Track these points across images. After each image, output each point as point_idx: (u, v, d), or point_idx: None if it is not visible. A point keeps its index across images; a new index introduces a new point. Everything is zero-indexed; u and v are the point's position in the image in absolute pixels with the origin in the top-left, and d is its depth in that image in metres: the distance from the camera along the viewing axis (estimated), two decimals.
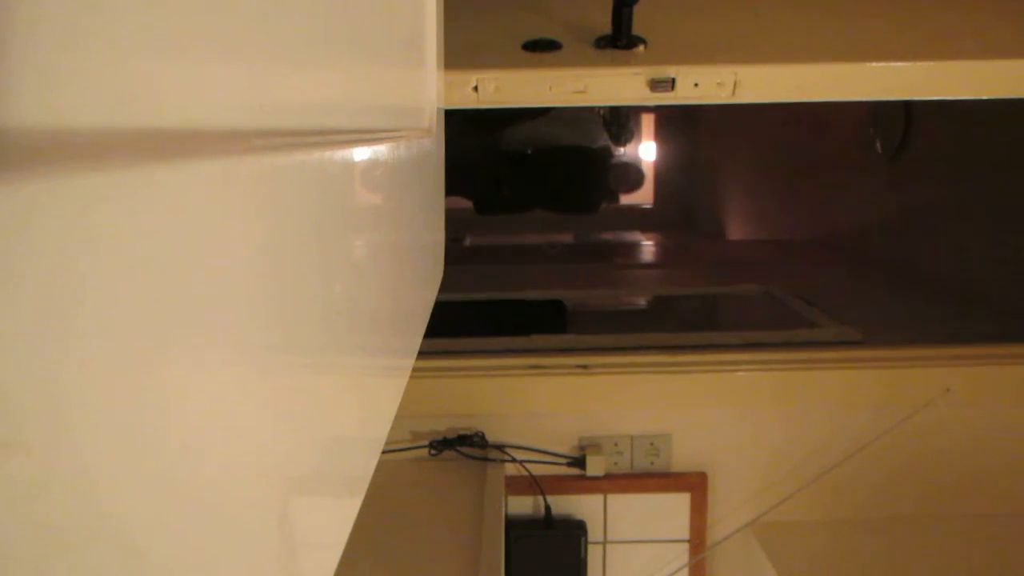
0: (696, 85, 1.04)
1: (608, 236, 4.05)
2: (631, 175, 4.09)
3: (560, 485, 1.30)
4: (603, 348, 1.34)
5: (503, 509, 1.18)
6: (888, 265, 2.16)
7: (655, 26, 1.09)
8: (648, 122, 4.54)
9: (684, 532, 1.33)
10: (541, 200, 3.52)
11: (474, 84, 1.03)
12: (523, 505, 1.32)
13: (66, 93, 0.15)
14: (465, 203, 3.68)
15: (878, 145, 2.24)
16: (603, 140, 3.77)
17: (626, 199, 4.26)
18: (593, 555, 1.33)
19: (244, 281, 0.24)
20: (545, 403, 1.28)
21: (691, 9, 1.15)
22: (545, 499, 1.28)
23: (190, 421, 0.21)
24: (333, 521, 0.38)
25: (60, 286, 0.15)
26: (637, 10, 1.04)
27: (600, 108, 3.49)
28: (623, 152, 4.19)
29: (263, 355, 0.27)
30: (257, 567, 0.27)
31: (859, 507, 1.32)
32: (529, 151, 3.44)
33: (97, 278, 0.16)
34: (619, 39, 1.06)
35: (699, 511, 1.32)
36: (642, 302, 2.18)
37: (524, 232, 3.69)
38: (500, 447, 1.29)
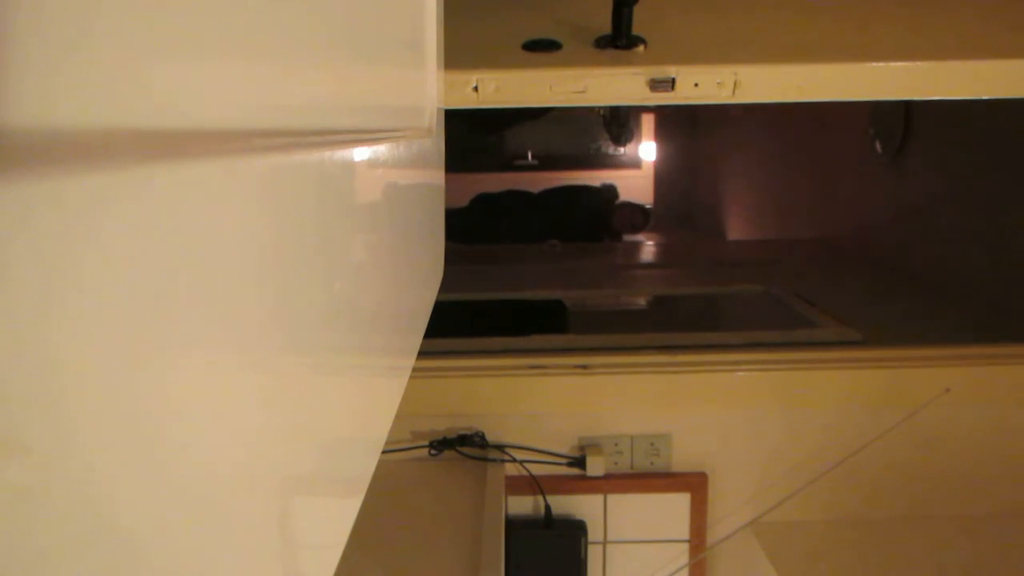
0: (696, 85, 1.04)
1: None
2: (636, 218, 4.08)
3: (560, 485, 1.30)
4: (603, 348, 1.34)
5: (503, 509, 1.18)
6: (888, 265, 2.16)
7: (655, 26, 1.09)
8: (648, 122, 4.55)
9: (684, 532, 1.33)
10: (546, 237, 3.55)
11: (474, 84, 1.03)
12: (523, 505, 1.32)
13: (66, 93, 0.15)
14: (464, 199, 3.70)
15: (878, 145, 2.24)
16: (607, 180, 3.83)
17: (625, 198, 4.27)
18: (593, 555, 1.33)
19: (244, 281, 0.24)
20: (545, 403, 1.28)
21: (691, 9, 1.15)
22: (545, 499, 1.28)
23: (190, 421, 0.21)
24: (333, 521, 0.38)
25: (60, 286, 0.15)
26: (637, 10, 1.04)
27: (600, 108, 3.50)
28: (625, 151, 4.20)
29: (264, 355, 0.27)
30: (257, 567, 0.27)
31: (859, 507, 1.32)
32: (536, 192, 3.47)
33: (97, 278, 0.16)
34: (619, 39, 1.06)
35: (699, 511, 1.32)
36: (642, 302, 2.18)
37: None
38: (500, 447, 1.29)
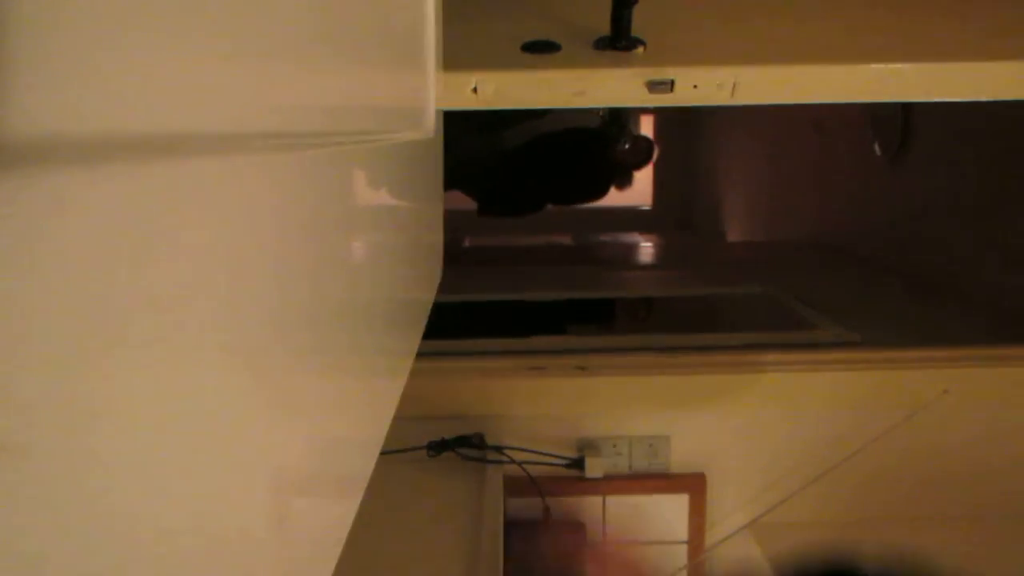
0: (695, 87, 1.04)
1: (607, 238, 4.05)
2: (640, 147, 3.86)
3: (559, 486, 1.30)
4: (602, 349, 1.34)
5: (502, 510, 1.17)
6: (887, 266, 2.17)
7: (655, 27, 1.09)
8: (647, 123, 4.55)
9: (683, 533, 1.33)
10: (549, 195, 3.38)
11: (473, 85, 1.03)
12: (522, 506, 1.32)
13: (66, 93, 0.15)
14: (465, 201, 3.62)
15: (877, 146, 2.25)
16: (600, 120, 3.50)
17: (623, 199, 4.16)
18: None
19: (243, 281, 0.25)
20: (544, 404, 1.28)
21: (691, 10, 1.15)
22: (544, 500, 1.28)
23: (189, 421, 0.21)
24: (332, 522, 0.38)
25: (60, 286, 0.15)
26: (637, 11, 1.04)
27: (599, 109, 3.47)
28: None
29: (262, 356, 0.27)
30: (257, 567, 0.27)
31: (857, 507, 1.32)
32: (527, 140, 3.23)
33: (97, 279, 0.16)
34: (618, 40, 1.06)
35: (698, 512, 1.32)
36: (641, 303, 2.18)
37: (523, 233, 3.68)
38: (499, 448, 1.29)
